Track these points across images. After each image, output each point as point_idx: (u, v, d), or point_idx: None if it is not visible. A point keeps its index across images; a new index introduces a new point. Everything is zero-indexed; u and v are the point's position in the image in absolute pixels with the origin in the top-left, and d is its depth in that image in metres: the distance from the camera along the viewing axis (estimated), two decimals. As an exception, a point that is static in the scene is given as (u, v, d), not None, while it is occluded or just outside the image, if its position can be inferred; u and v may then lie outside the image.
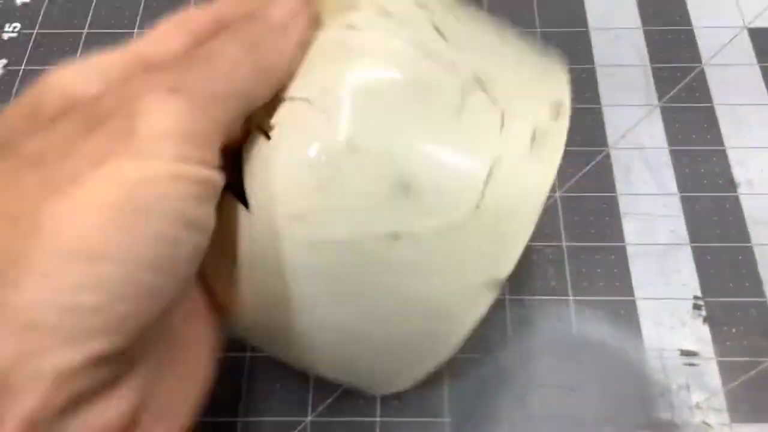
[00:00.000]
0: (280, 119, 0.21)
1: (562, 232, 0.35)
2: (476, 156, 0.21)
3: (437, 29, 0.22)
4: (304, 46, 0.22)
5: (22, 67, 0.41)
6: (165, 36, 0.22)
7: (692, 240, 0.34)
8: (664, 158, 0.36)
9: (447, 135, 0.21)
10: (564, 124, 0.22)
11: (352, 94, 0.20)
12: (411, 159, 0.20)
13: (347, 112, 0.20)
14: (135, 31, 0.42)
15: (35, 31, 0.42)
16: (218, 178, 0.19)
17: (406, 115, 0.20)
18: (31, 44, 0.42)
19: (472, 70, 0.21)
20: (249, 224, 0.21)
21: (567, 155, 0.36)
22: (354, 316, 0.21)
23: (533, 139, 0.22)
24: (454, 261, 0.21)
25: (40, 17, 0.43)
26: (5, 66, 0.41)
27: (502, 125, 0.21)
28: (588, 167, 0.36)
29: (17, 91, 0.40)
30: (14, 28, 0.42)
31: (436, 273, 0.21)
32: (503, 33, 0.24)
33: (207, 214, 0.19)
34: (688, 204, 0.35)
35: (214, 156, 0.19)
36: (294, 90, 0.21)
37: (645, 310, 0.32)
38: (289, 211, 0.20)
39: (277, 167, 0.20)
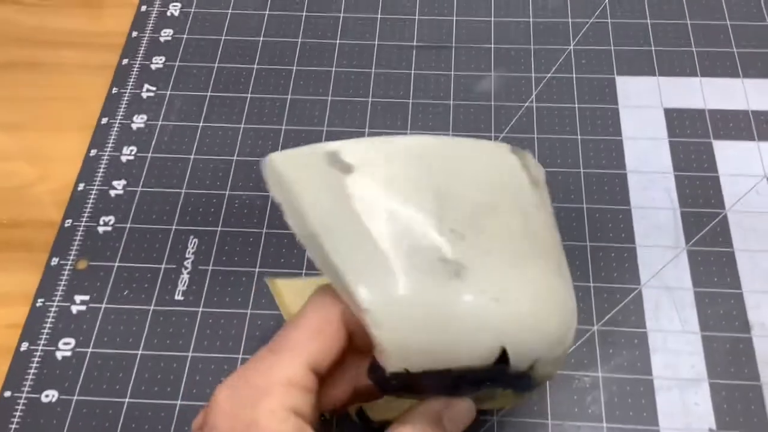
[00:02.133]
0: None
1: (599, 362, 0.41)
2: None
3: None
4: None
5: (139, 189, 0.48)
6: (337, 383, 0.30)
7: (710, 376, 0.40)
8: (689, 298, 0.42)
9: None
10: None
11: None
12: None
13: None
14: (234, 157, 0.49)
15: (149, 154, 0.50)
16: None
17: None
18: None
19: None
20: None
21: (604, 291, 0.43)
22: None
23: None
24: None
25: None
26: (124, 186, 0.48)
27: None
28: (621, 304, 0.42)
29: (135, 209, 0.47)
30: (131, 151, 0.50)
31: None
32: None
33: None
34: (707, 342, 0.41)
35: None
36: None
37: (667, 439, 0.38)
38: None
39: None
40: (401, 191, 0.29)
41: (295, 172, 0.30)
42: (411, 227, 0.28)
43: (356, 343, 0.30)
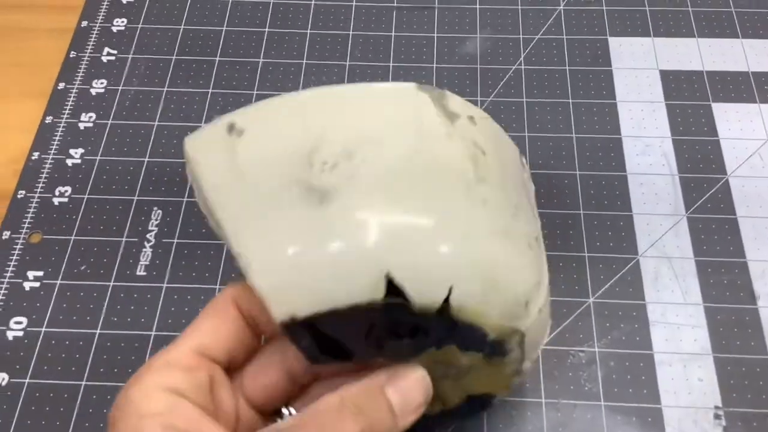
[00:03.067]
0: None
1: (595, 337, 0.38)
2: None
3: None
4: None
5: (98, 157, 0.44)
6: (263, 370, 0.28)
7: (714, 350, 0.37)
8: (690, 268, 0.40)
9: None
10: None
11: None
12: None
13: None
14: (201, 123, 0.46)
15: (109, 121, 0.46)
16: None
17: None
18: (106, 132, 0.45)
19: None
20: None
21: (599, 261, 0.40)
22: None
23: None
24: None
25: (115, 105, 0.46)
26: (82, 155, 0.45)
27: None
28: (618, 275, 0.39)
29: (93, 179, 0.44)
30: (90, 117, 0.46)
31: None
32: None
33: None
34: (711, 314, 0.38)
35: None
36: None
37: (670, 418, 0.35)
38: None
39: None
40: (283, 141, 0.27)
41: (197, 151, 0.27)
42: (288, 171, 0.26)
43: (263, 329, 0.29)
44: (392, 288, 0.24)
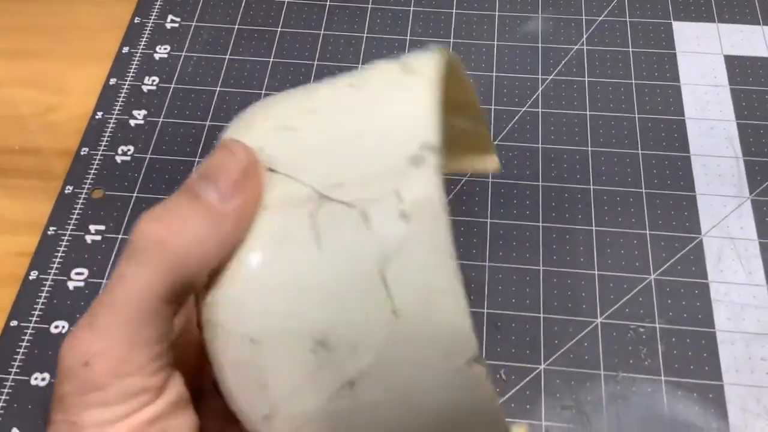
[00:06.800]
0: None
1: (656, 313, 0.37)
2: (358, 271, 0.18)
3: None
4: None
5: (161, 119, 0.45)
6: None
7: (778, 331, 0.37)
8: (754, 249, 0.39)
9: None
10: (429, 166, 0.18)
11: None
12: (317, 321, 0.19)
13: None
14: (262, 91, 0.46)
15: (172, 85, 0.46)
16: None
17: None
18: (168, 97, 0.46)
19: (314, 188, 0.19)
20: None
21: (661, 239, 0.39)
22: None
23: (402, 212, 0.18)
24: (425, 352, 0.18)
25: (177, 73, 0.47)
26: (145, 116, 0.45)
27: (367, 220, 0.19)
28: (680, 253, 0.39)
29: (156, 140, 0.44)
30: (153, 81, 0.47)
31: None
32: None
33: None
34: (775, 296, 0.38)
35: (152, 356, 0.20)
36: None
37: (732, 395, 0.35)
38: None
39: None
40: None
41: None
42: None
43: None
44: None
